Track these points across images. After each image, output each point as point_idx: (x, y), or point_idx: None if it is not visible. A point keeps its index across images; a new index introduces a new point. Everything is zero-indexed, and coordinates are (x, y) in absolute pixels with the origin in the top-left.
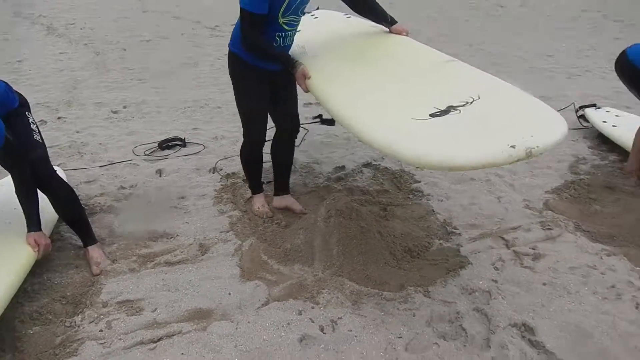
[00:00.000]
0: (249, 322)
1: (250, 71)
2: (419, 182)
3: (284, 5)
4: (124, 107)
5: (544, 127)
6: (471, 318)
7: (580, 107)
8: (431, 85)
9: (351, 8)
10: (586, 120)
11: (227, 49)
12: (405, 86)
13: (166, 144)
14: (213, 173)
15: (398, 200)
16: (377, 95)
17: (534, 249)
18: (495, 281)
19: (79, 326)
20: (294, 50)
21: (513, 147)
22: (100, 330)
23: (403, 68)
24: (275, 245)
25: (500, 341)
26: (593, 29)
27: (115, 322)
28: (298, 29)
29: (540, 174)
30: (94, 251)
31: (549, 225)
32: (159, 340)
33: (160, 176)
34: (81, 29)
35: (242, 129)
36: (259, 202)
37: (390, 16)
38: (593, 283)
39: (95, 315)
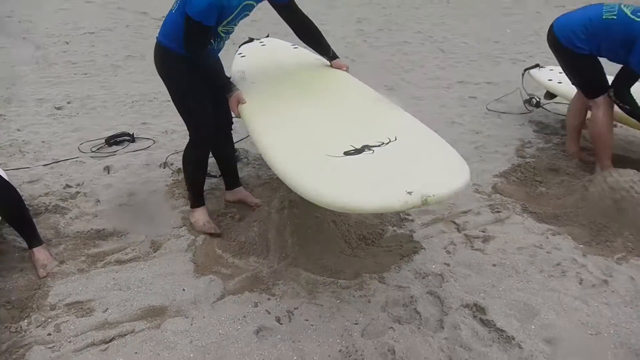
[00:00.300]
0: (204, 317)
1: (183, 64)
2: None
3: (229, 19)
4: (68, 102)
5: (446, 175)
6: (425, 301)
7: (525, 70)
8: (355, 123)
9: (296, 35)
10: (531, 104)
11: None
12: (331, 121)
13: (114, 140)
14: (164, 168)
15: None
16: (301, 127)
17: (483, 231)
18: (448, 264)
19: (25, 331)
20: (233, 74)
21: (410, 193)
22: (49, 334)
23: (334, 103)
24: (230, 239)
25: (453, 322)
26: (536, 15)
27: (65, 324)
28: (243, 54)
29: (489, 158)
30: (40, 253)
31: (497, 208)
32: (111, 340)
33: (108, 173)
34: (19, 22)
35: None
36: (203, 218)
37: (333, 50)
38: (540, 262)
39: (43, 319)
